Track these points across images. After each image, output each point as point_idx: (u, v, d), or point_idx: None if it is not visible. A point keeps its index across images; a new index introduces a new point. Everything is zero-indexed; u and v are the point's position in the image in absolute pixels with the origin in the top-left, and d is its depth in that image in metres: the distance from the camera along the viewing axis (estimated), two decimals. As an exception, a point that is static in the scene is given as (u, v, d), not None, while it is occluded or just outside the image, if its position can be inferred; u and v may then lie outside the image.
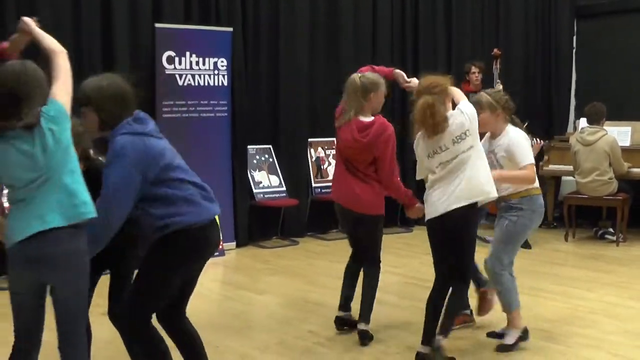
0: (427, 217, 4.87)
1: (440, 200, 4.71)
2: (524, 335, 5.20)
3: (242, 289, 6.99)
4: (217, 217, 3.98)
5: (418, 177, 5.08)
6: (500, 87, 10.06)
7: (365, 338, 5.29)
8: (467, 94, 10.08)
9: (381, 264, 5.48)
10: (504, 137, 5.15)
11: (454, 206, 4.66)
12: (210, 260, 8.07)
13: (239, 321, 5.97)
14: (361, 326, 5.33)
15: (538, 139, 9.14)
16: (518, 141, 5.10)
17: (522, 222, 5.08)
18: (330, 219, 8.27)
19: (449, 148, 4.68)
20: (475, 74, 9.86)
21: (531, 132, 9.29)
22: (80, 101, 3.75)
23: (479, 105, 5.07)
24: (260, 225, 9.06)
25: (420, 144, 4.88)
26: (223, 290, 7.19)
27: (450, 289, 4.87)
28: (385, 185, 5.29)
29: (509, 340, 5.15)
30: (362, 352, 5.13)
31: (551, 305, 6.24)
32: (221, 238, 3.72)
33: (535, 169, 5.12)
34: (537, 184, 5.15)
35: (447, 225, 4.73)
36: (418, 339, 4.88)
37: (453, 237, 4.79)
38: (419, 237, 8.90)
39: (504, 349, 5.11)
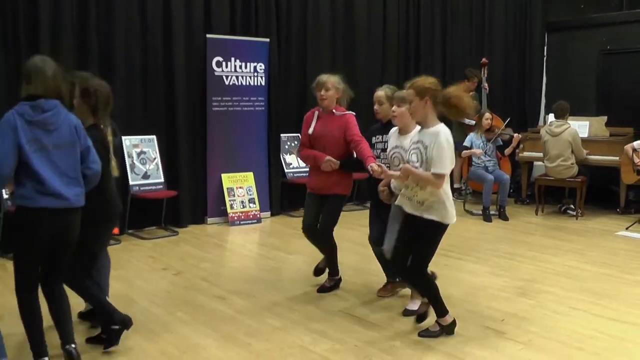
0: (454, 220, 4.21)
1: None
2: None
3: (276, 250, 7.01)
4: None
5: (447, 171, 4.09)
6: (487, 89, 10.07)
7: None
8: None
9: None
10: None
11: None
12: (250, 226, 8.28)
13: (273, 275, 6.00)
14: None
15: (516, 134, 9.12)
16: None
17: None
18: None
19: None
20: (474, 82, 9.89)
21: (511, 126, 9.32)
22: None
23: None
24: (290, 198, 9.06)
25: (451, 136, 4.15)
26: (260, 250, 7.22)
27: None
28: None
29: (413, 306, 4.85)
30: (368, 303, 5.11)
31: (524, 267, 6.22)
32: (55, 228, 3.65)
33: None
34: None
35: None
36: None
37: None
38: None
39: (408, 313, 4.79)
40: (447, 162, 4.06)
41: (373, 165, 4.50)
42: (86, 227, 3.87)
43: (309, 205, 5.31)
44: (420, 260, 4.27)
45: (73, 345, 3.84)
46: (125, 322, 4.14)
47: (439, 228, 4.18)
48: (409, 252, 4.28)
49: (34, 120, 3.52)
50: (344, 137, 5.08)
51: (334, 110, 5.18)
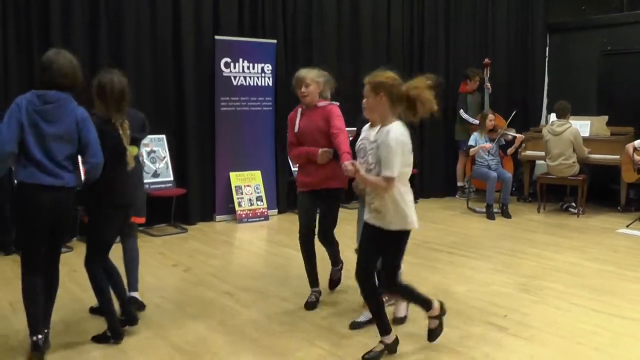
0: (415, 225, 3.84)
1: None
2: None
3: (283, 247, 7.01)
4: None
5: (396, 174, 3.67)
6: (490, 89, 10.06)
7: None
8: (465, 94, 10.15)
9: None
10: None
11: None
12: (258, 224, 8.28)
13: (280, 272, 6.01)
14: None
15: (519, 134, 9.11)
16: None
17: None
18: (351, 191, 8.22)
19: None
20: (476, 82, 9.87)
21: (513, 126, 9.31)
22: None
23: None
24: (296, 196, 9.04)
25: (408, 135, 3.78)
26: (268, 247, 7.23)
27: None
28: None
29: (402, 312, 4.66)
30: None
31: (526, 264, 6.21)
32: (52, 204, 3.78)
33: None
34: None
35: None
36: (426, 287, 4.89)
37: None
38: (424, 207, 8.94)
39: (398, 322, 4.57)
40: (395, 164, 3.64)
41: (347, 164, 3.96)
42: (93, 211, 4.10)
43: (303, 207, 4.99)
44: (391, 271, 3.94)
45: (45, 330, 3.93)
46: (117, 334, 4.18)
47: (403, 235, 3.84)
48: (374, 258, 3.97)
49: (36, 109, 3.68)
50: (329, 128, 4.76)
51: (317, 104, 4.86)
